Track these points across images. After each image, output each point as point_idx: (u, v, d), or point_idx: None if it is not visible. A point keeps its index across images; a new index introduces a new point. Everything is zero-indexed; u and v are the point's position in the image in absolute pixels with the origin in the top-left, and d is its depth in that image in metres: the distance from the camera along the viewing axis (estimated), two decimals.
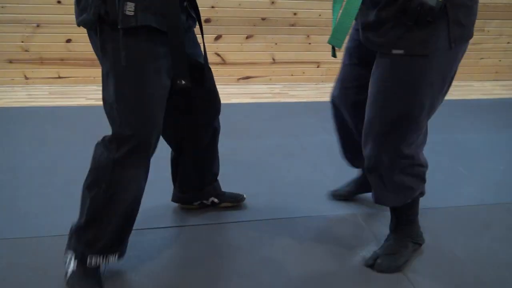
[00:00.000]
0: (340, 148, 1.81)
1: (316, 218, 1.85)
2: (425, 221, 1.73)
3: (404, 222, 1.60)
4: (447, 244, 1.72)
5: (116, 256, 1.40)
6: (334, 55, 1.41)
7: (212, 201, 1.82)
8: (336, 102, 1.68)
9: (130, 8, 1.19)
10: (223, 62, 3.69)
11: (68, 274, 1.38)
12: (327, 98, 1.76)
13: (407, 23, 1.24)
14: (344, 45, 1.44)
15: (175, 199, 1.82)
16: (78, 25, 1.26)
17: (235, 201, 1.86)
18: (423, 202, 1.63)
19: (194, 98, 1.56)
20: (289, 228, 1.78)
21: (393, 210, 1.60)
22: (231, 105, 3.08)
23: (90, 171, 1.36)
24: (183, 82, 1.33)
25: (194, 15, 1.40)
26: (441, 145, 2.55)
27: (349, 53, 1.59)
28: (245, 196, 1.87)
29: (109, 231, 1.36)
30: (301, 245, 1.69)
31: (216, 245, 1.66)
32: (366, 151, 1.46)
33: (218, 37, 3.53)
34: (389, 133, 1.40)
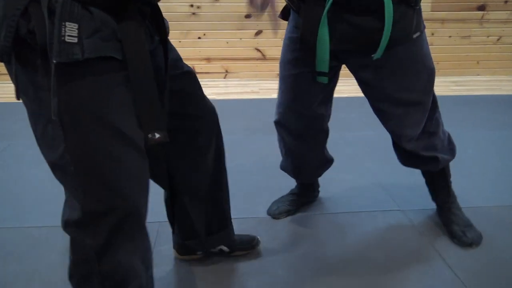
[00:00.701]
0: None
1: (358, 214, 1.84)
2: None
3: (450, 187, 1.71)
4: (496, 244, 1.63)
5: None
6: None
7: (221, 249, 1.52)
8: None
9: (71, 32, 0.81)
10: (263, 57, 3.56)
11: None
12: None
13: (415, 7, 1.31)
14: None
15: (175, 246, 1.54)
16: None
17: (249, 248, 1.56)
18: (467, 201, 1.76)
19: (176, 120, 1.19)
20: (330, 222, 1.78)
21: (443, 177, 1.67)
22: (271, 100, 2.86)
23: (71, 264, 1.04)
24: (157, 135, 0.96)
25: (157, 36, 1.05)
26: (488, 143, 2.49)
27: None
28: (259, 238, 1.62)
29: None
30: (348, 238, 1.71)
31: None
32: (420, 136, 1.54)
33: (258, 33, 3.35)
34: (430, 107, 1.51)
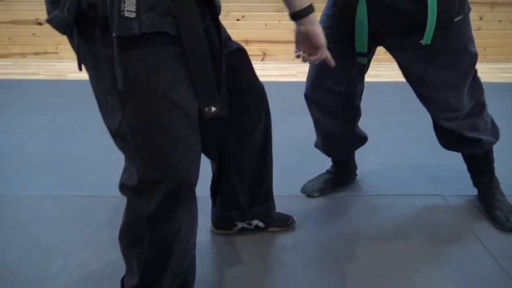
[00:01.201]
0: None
1: (396, 197, 1.80)
2: None
3: (493, 172, 1.66)
4: None
5: None
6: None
7: (256, 225, 1.54)
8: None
9: (130, 7, 0.84)
10: None
11: None
12: None
13: None
14: None
15: (214, 219, 1.56)
16: (49, 22, 0.89)
17: (284, 226, 1.58)
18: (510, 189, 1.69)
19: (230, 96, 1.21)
20: (366, 204, 1.76)
21: (487, 160, 1.62)
22: None
23: (124, 225, 1.08)
24: (213, 109, 1.00)
25: (209, 15, 1.06)
26: None
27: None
28: (295, 218, 1.64)
29: None
30: (385, 221, 1.68)
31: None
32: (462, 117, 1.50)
33: None
34: (475, 90, 1.49)
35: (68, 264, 1.41)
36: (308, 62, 1.20)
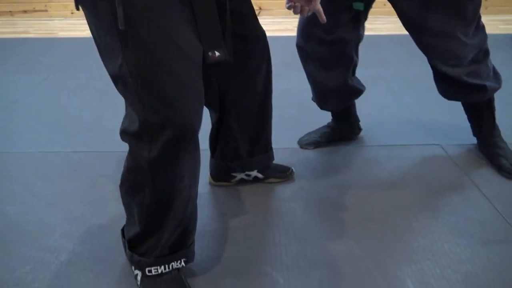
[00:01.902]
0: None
1: (395, 147, 1.81)
2: None
3: (495, 120, 1.65)
4: None
5: (182, 263, 1.12)
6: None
7: (255, 177, 1.54)
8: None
9: None
10: None
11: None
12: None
13: None
14: None
15: (212, 170, 1.55)
16: None
17: (283, 176, 1.58)
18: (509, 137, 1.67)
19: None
20: (365, 155, 1.76)
21: (489, 108, 1.61)
22: None
23: (125, 171, 1.06)
24: (217, 54, 0.97)
25: None
26: None
27: None
28: (293, 169, 1.63)
29: (165, 240, 1.08)
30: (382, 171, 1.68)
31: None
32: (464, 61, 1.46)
33: None
34: (480, 38, 1.46)
35: (68, 217, 1.42)
36: (299, 13, 1.17)
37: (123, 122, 1.03)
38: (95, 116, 2.11)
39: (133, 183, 1.05)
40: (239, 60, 1.25)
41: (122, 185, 1.09)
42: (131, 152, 1.03)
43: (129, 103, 0.98)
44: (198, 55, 0.98)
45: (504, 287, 1.12)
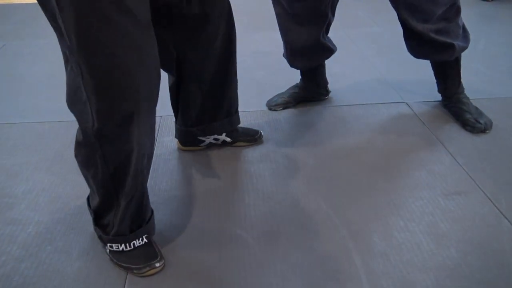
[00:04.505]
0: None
1: (362, 106, 1.82)
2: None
3: (460, 78, 1.68)
4: (499, 133, 1.61)
5: (144, 239, 1.10)
6: None
7: (224, 141, 1.53)
8: None
9: None
10: None
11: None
12: None
13: None
14: None
15: (177, 135, 1.53)
16: None
17: (252, 140, 1.57)
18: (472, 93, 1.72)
19: (186, 4, 1.15)
20: (333, 115, 1.77)
21: (456, 67, 1.64)
22: None
23: (76, 143, 1.04)
24: None
25: None
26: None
27: None
28: (262, 132, 1.62)
29: (121, 217, 1.05)
30: (351, 128, 1.70)
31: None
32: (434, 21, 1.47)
33: None
34: None
35: (33, 187, 1.39)
36: None
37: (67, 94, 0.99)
38: (56, 85, 2.02)
39: (85, 156, 1.03)
40: (197, 22, 1.21)
41: (76, 156, 1.06)
42: (78, 124, 1.00)
43: (72, 71, 0.94)
44: (146, 12, 0.92)
45: (462, 233, 1.17)
